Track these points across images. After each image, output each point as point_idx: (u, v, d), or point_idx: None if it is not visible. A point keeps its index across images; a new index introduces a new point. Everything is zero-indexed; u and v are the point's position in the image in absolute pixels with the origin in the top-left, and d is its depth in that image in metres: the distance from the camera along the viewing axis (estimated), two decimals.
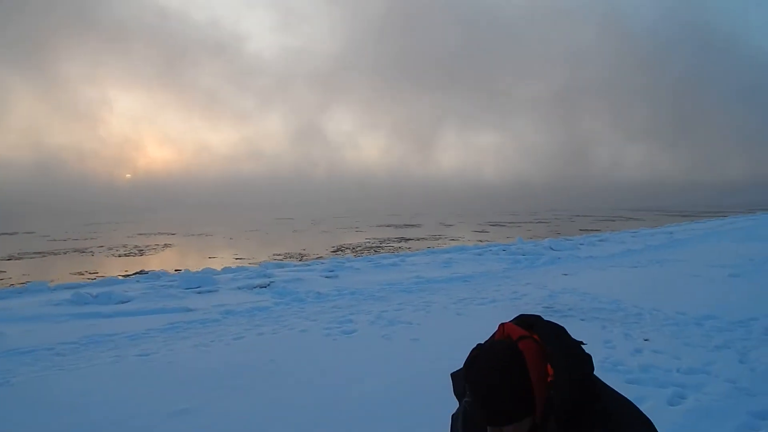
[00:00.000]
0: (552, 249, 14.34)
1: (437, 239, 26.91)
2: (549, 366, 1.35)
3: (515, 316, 1.54)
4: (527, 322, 1.46)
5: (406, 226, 37.01)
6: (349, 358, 4.97)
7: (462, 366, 1.44)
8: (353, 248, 22.61)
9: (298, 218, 48.38)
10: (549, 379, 1.33)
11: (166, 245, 26.70)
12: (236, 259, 19.33)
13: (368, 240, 26.79)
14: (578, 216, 46.18)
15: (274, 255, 19.96)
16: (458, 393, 1.60)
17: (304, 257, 19.08)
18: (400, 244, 24.18)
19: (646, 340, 5.52)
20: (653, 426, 1.44)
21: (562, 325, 1.47)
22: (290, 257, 18.99)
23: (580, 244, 15.65)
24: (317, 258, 17.27)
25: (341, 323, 6.39)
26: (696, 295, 7.82)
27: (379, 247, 22.94)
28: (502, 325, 1.47)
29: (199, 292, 8.58)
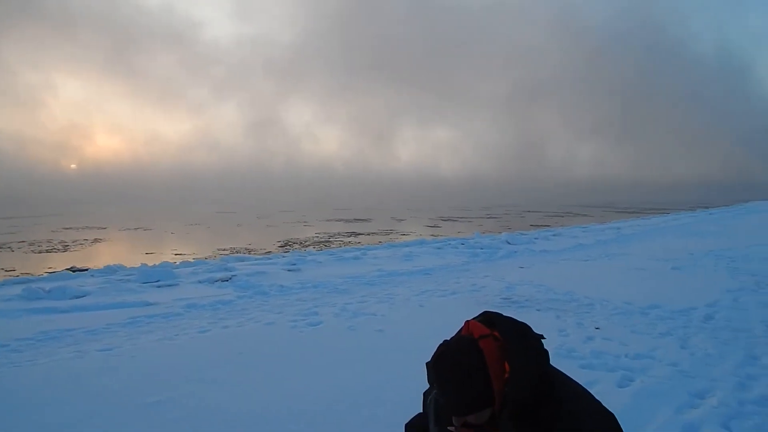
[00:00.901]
0: (509, 243, 14.82)
1: (388, 234, 26.72)
2: (506, 362, 1.50)
3: (479, 310, 1.69)
4: (490, 319, 1.61)
5: (357, 220, 36.45)
6: (317, 350, 5.06)
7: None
8: (301, 243, 22.01)
9: (242, 212, 46.37)
10: (506, 375, 1.49)
11: (95, 240, 25.16)
12: (176, 255, 18.33)
13: (317, 234, 26.30)
14: (529, 212, 47.24)
15: (218, 250, 19.14)
16: (431, 381, 1.76)
17: (252, 252, 18.39)
18: (350, 239, 23.80)
19: (597, 328, 5.88)
20: (605, 412, 1.54)
21: (523, 321, 1.62)
22: (236, 252, 18.23)
23: (535, 239, 16.24)
24: (266, 253, 16.80)
25: (306, 315, 6.46)
26: (642, 287, 8.34)
27: (328, 242, 22.44)
28: (467, 322, 1.62)
29: (158, 286, 8.42)
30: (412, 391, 2.49)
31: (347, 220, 36.48)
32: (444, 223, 34.47)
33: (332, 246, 19.88)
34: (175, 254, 18.53)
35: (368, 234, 26.61)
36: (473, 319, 1.64)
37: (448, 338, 1.60)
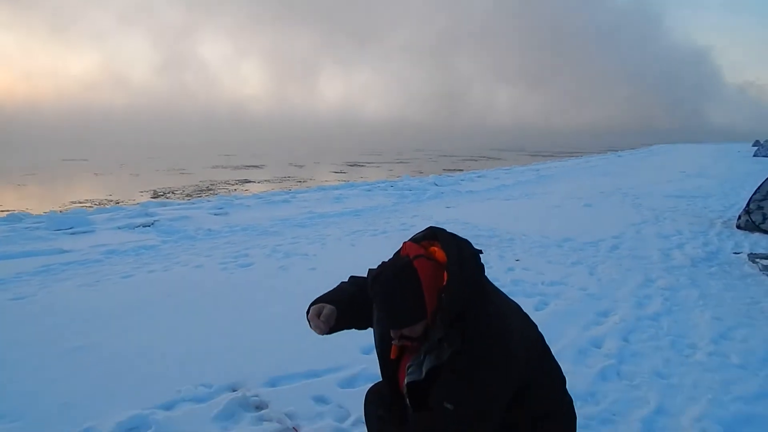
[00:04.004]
0: (436, 185, 15.19)
1: (282, 181, 23.96)
2: (444, 273, 1.59)
3: (424, 228, 1.77)
4: (433, 233, 1.71)
5: (247, 167, 32.51)
6: (249, 289, 5.03)
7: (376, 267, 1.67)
8: (173, 191, 19.43)
9: (98, 158, 37.62)
10: (443, 284, 1.58)
11: None
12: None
13: (201, 182, 23.13)
14: (442, 156, 47.10)
15: (71, 203, 16.13)
16: (371, 298, 1.84)
17: (120, 202, 15.64)
18: (235, 187, 21.38)
19: (517, 260, 6.28)
20: (528, 317, 1.81)
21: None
22: (97, 204, 15.61)
23: (461, 180, 16.75)
24: (133, 203, 13.65)
25: (236, 257, 6.36)
26: (557, 222, 8.94)
27: (208, 190, 20.10)
28: (405, 243, 1.70)
29: (72, 233, 7.89)
30: None
31: (236, 167, 32.10)
32: (350, 169, 31.90)
33: (217, 193, 17.91)
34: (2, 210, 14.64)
35: (258, 182, 23.75)
36: (417, 233, 1.73)
37: (386, 260, 1.68)
